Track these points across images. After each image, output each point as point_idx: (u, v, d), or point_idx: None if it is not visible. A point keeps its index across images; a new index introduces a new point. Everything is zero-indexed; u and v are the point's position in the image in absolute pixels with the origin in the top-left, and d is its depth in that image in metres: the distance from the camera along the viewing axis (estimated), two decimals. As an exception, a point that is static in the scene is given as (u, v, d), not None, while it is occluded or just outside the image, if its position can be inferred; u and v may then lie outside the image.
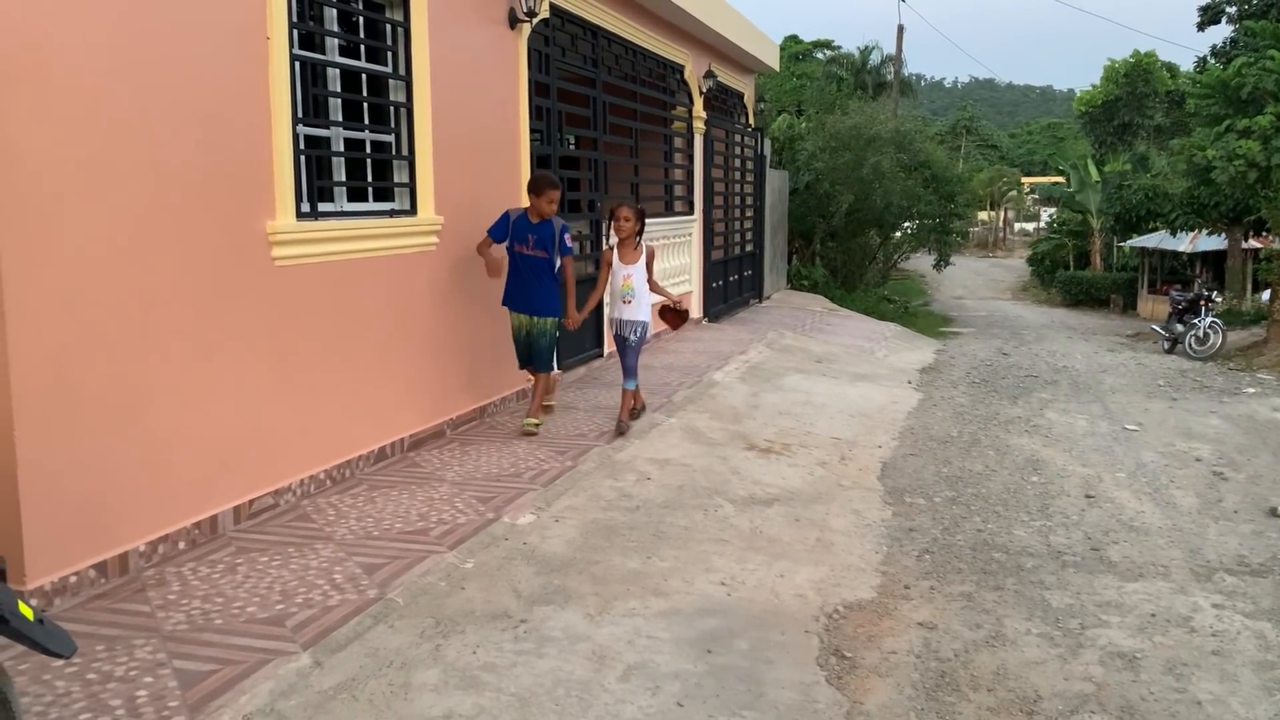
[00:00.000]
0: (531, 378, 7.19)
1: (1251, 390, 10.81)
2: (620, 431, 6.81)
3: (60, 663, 3.35)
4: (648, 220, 11.82)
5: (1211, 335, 15.64)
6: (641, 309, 6.90)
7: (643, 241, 6.95)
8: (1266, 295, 19.03)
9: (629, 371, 7.05)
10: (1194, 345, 15.63)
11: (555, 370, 7.42)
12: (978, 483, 6.49)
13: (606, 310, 6.61)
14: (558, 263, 6.75)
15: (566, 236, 6.72)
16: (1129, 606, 4.43)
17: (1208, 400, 10.07)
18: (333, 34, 5.62)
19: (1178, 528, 5.62)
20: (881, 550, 5.08)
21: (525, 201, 7.02)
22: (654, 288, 7.03)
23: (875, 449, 7.25)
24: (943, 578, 4.74)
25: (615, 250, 6.93)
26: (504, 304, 6.86)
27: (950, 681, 3.67)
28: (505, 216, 6.67)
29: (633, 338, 6.96)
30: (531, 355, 6.93)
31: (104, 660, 3.41)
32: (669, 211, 11.90)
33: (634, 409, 7.13)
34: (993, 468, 6.91)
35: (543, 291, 6.74)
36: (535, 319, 6.80)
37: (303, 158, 5.23)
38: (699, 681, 3.54)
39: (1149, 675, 3.75)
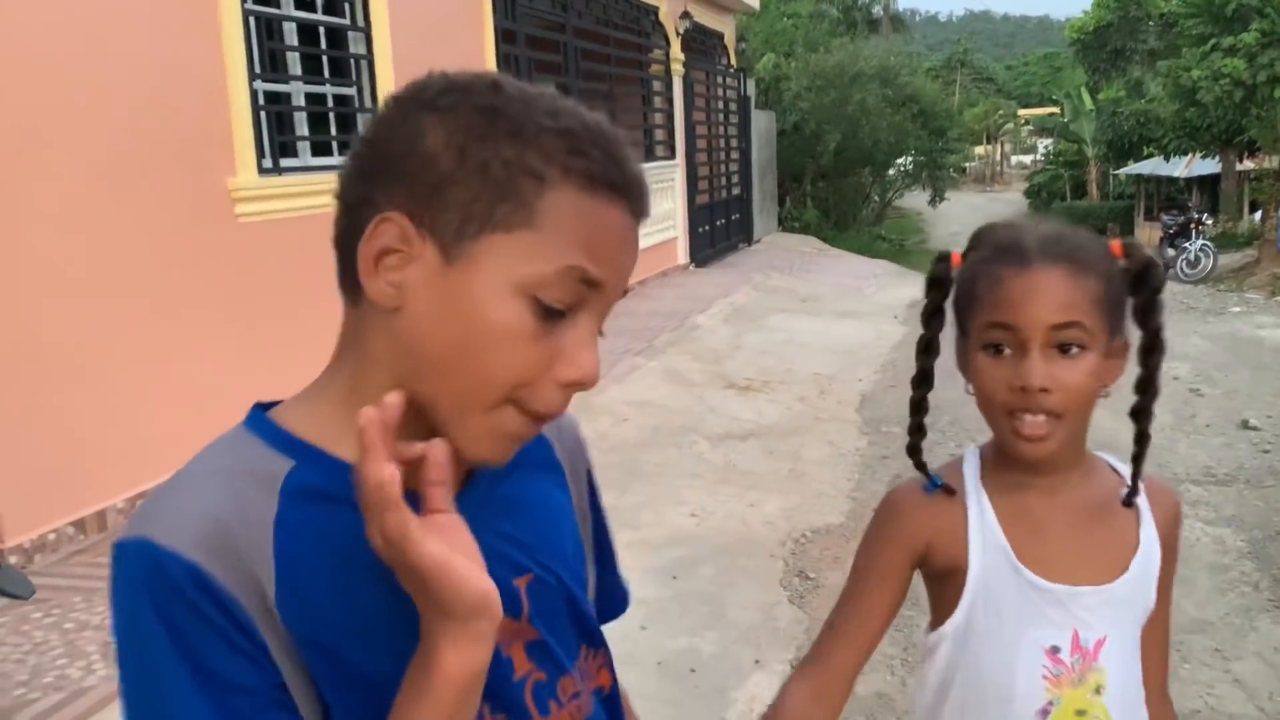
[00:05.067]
0: None
1: (1236, 309, 10.84)
2: None
3: (39, 614, 3.45)
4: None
5: (1202, 258, 15.63)
6: None
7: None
8: (1259, 216, 18.93)
9: None
10: (1185, 269, 15.63)
11: None
12: (954, 409, 6.52)
13: None
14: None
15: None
16: (1093, 519, 4.51)
17: (1193, 321, 10.09)
18: (286, -13, 5.60)
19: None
20: (854, 478, 5.16)
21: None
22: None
23: (856, 382, 7.30)
24: (911, 500, 4.82)
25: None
26: None
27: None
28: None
29: None
30: None
31: (81, 610, 3.50)
32: (650, 157, 11.85)
33: None
34: (970, 394, 6.96)
35: None
36: None
37: (263, 113, 5.23)
38: (664, 606, 3.63)
39: (1106, 582, 3.83)
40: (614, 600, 1.05)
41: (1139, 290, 1.13)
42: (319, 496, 0.74)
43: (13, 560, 3.78)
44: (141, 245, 4.43)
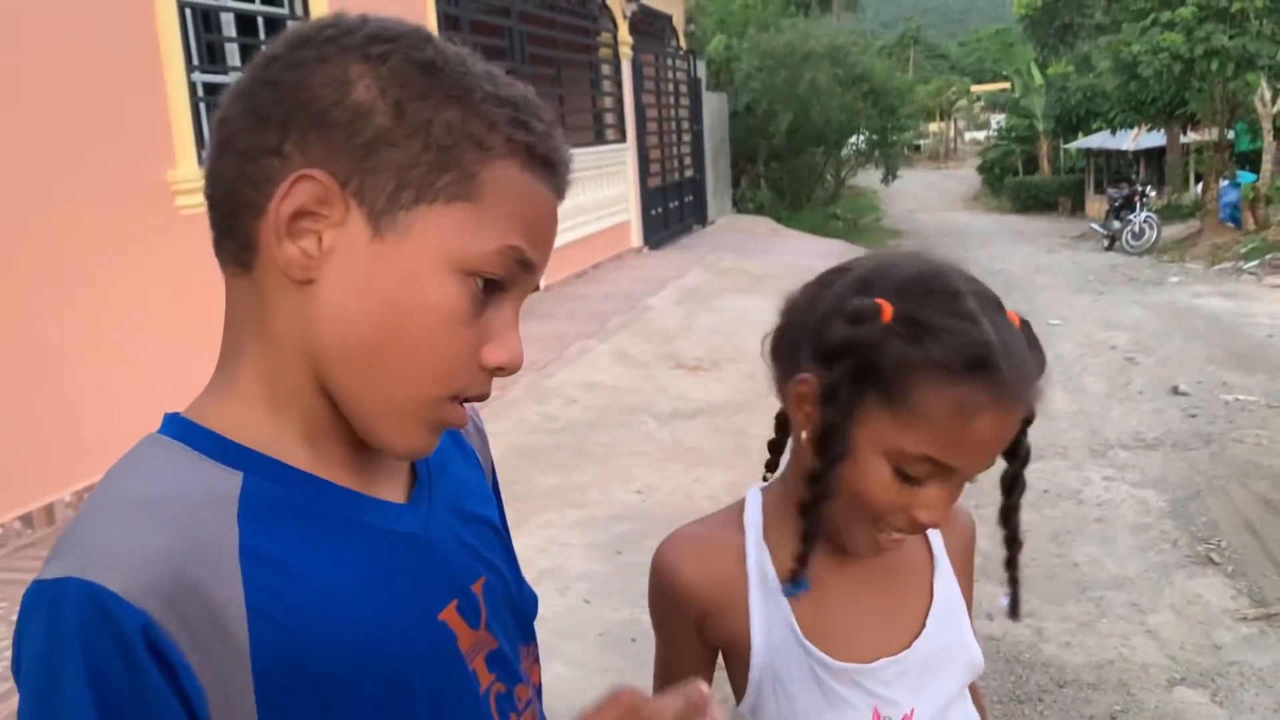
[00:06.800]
0: None
1: (1175, 279, 11.12)
2: None
3: (-14, 608, 3.48)
4: (575, 151, 10.86)
5: (1147, 230, 15.92)
6: None
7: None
8: (1201, 187, 19.32)
9: None
10: (1130, 240, 15.92)
11: None
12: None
13: None
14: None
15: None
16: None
17: (1133, 291, 10.35)
18: (223, -22, 5.59)
19: (1083, 411, 5.87)
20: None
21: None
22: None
23: (803, 359, 7.44)
24: (852, 472, 4.95)
25: None
26: None
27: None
28: None
29: None
30: None
31: (29, 603, 3.54)
32: (599, 140, 11.90)
33: None
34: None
35: None
36: None
37: (201, 105, 5.24)
38: (606, 579, 3.73)
39: (1033, 544, 3.98)
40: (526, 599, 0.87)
41: None
42: (281, 511, 0.64)
43: (-41, 556, 3.80)
44: (84, 239, 4.44)
